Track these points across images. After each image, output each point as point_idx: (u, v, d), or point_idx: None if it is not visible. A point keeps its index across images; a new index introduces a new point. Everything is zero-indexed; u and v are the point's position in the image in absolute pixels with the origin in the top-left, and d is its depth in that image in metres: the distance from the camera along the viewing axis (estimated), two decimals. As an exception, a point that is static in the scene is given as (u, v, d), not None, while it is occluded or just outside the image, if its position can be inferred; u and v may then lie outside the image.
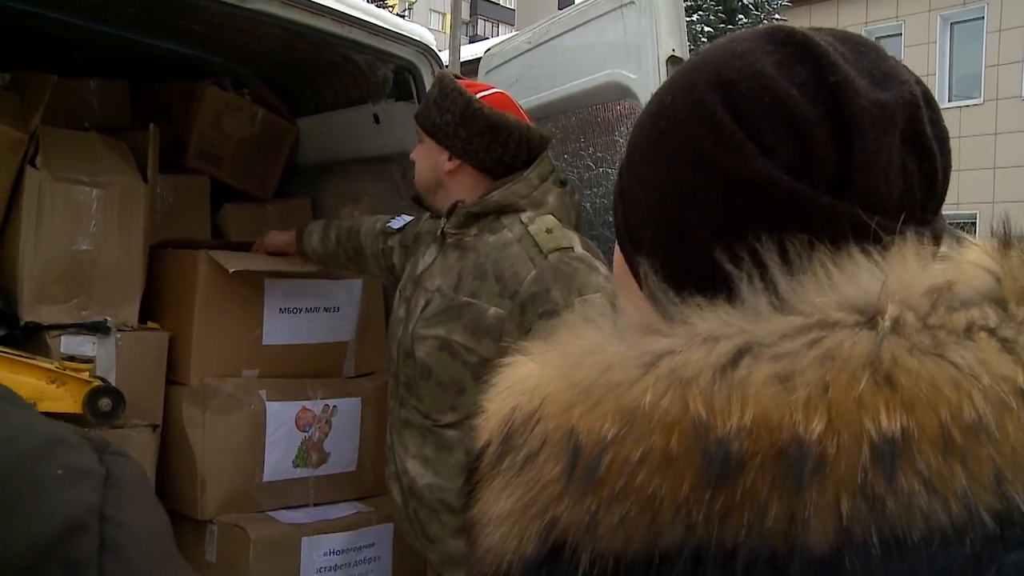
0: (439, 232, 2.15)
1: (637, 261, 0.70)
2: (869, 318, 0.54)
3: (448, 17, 22.10)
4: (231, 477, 2.70)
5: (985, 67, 15.45)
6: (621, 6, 2.07)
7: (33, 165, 2.54)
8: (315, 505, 2.86)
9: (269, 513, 2.76)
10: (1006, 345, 0.54)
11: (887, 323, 0.54)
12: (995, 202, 14.41)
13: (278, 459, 2.78)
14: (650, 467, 0.53)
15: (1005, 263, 0.58)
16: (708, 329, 0.56)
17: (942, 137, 0.66)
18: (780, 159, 0.62)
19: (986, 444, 0.51)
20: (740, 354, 0.54)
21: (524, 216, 2.03)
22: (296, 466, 2.83)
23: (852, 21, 16.29)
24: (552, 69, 2.27)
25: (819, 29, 0.69)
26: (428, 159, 2.17)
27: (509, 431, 0.58)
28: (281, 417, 2.79)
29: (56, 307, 2.54)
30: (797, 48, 0.65)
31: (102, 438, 0.49)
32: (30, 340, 2.52)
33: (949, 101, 15.84)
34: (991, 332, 0.54)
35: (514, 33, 2.82)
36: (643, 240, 0.70)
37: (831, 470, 0.51)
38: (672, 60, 1.95)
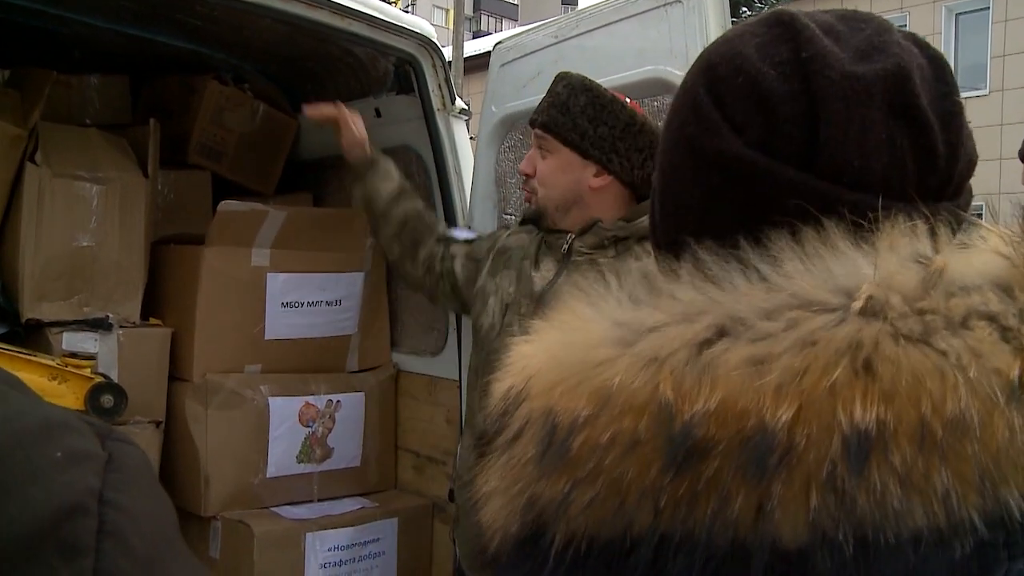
0: (565, 248, 2.04)
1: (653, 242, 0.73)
2: (854, 301, 0.52)
3: (451, 12, 22.07)
4: (234, 473, 2.70)
5: (991, 58, 15.39)
6: (665, 4, 2.06)
7: (33, 161, 2.53)
8: (319, 501, 2.86)
9: (273, 509, 2.75)
10: (1006, 334, 0.51)
11: (872, 307, 0.52)
12: (1001, 193, 14.30)
13: (281, 455, 2.78)
14: (619, 450, 0.52)
15: (1019, 250, 0.55)
16: (687, 307, 0.55)
17: (950, 112, 0.64)
18: (750, 136, 0.64)
19: (971, 441, 0.49)
20: (718, 334, 0.53)
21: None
22: (300, 462, 2.82)
23: (856, 12, 16.20)
24: (582, 63, 2.24)
25: (828, 11, 0.69)
26: (566, 173, 2.01)
27: (504, 410, 0.58)
28: (284, 412, 2.78)
29: (57, 304, 2.54)
30: (783, 29, 0.66)
31: (106, 425, 0.48)
32: (32, 337, 2.52)
33: (954, 92, 15.79)
34: (991, 319, 0.52)
35: (525, 27, 2.79)
36: (656, 222, 0.73)
37: (799, 461, 0.49)
38: None
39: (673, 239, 0.67)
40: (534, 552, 0.56)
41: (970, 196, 0.67)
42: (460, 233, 2.43)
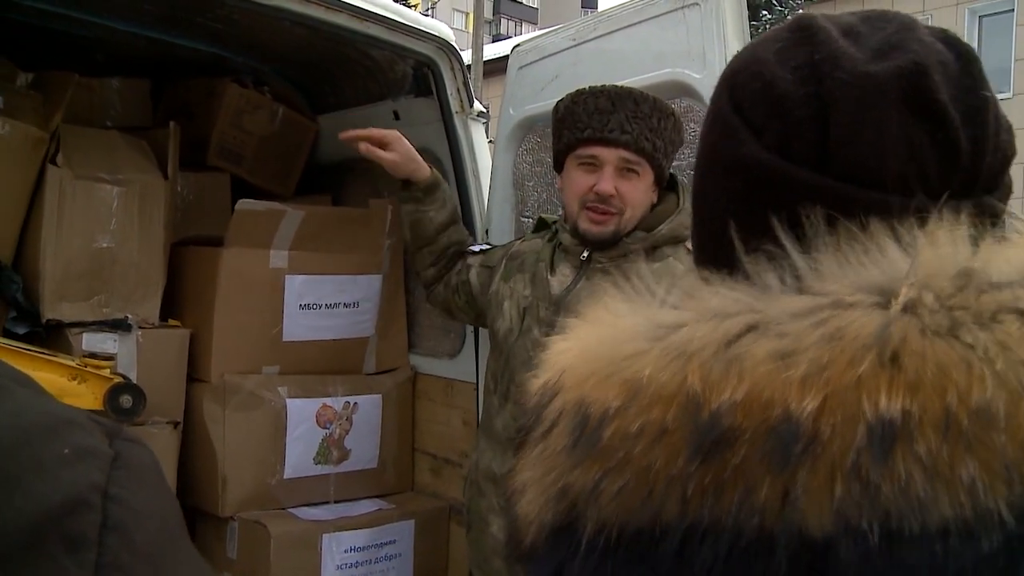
0: (584, 255, 2.04)
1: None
2: (886, 300, 0.53)
3: (471, 16, 22.08)
4: (252, 474, 2.71)
5: (1015, 60, 15.24)
6: (683, 7, 2.07)
7: (54, 163, 2.55)
8: (336, 502, 2.86)
9: (290, 510, 2.76)
10: None
11: (900, 304, 0.52)
12: (1026, 197, 14.21)
13: (299, 456, 2.79)
14: (648, 439, 0.53)
15: None
16: (718, 306, 0.56)
17: (975, 106, 0.63)
18: (768, 140, 0.65)
19: (998, 432, 0.49)
20: (747, 330, 0.53)
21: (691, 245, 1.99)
22: (317, 463, 2.83)
23: (878, 15, 16.08)
24: (601, 66, 2.24)
25: (856, 12, 0.70)
26: (648, 193, 2.03)
27: (539, 403, 0.60)
28: (302, 414, 2.79)
29: (77, 304, 2.56)
30: (802, 32, 0.67)
31: (116, 424, 0.48)
32: (52, 337, 2.54)
33: (978, 95, 15.63)
34: (1021, 314, 0.52)
35: (544, 30, 2.79)
36: (694, 227, 0.75)
37: (824, 450, 0.50)
38: None
39: (708, 243, 0.70)
40: (567, 541, 0.56)
41: (1009, 189, 0.67)
42: (475, 247, 2.44)
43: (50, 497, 0.40)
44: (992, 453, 0.49)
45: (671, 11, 2.09)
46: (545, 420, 0.59)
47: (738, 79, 0.68)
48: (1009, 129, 0.67)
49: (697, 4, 2.02)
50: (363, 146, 2.40)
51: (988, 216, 0.61)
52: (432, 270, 2.45)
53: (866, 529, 0.49)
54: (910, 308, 0.52)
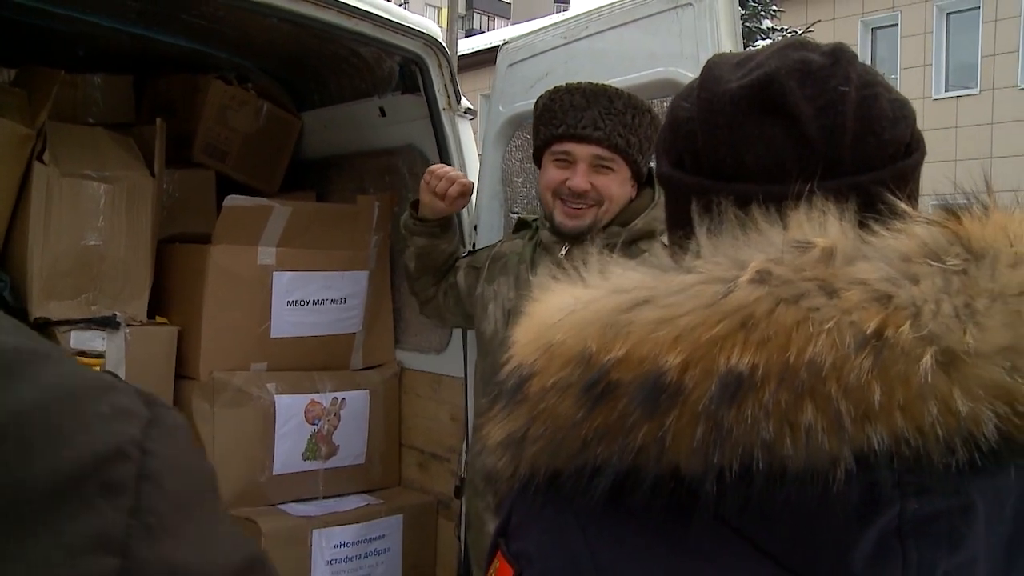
0: (563, 253, 2.06)
1: None
2: (742, 273, 0.63)
3: (444, 11, 22.00)
4: (241, 470, 2.71)
5: (981, 57, 15.44)
6: (677, 7, 2.09)
7: (41, 161, 2.54)
8: (325, 498, 2.88)
9: (279, 506, 2.77)
10: (879, 296, 0.61)
11: (759, 277, 0.62)
12: (992, 192, 14.36)
13: (288, 452, 2.79)
14: (557, 393, 0.64)
15: (928, 228, 0.65)
16: (620, 284, 0.67)
17: (831, 100, 0.73)
18: (671, 158, 0.81)
19: (829, 382, 0.58)
20: (640, 303, 0.64)
21: (666, 240, 2.01)
22: (306, 459, 2.84)
23: (849, 12, 16.28)
24: (593, 64, 2.26)
25: (776, 43, 0.82)
26: (623, 187, 2.06)
27: (502, 373, 0.71)
28: (290, 410, 2.80)
29: (65, 302, 2.55)
30: (703, 68, 0.81)
31: (152, 393, 0.52)
32: (40, 335, 2.52)
33: (945, 91, 15.85)
34: (864, 284, 0.61)
35: (518, 24, 2.81)
36: None
37: (687, 399, 0.60)
38: None
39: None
40: (511, 483, 0.68)
41: (904, 175, 0.75)
42: (463, 252, 2.50)
43: (90, 447, 0.44)
44: (826, 401, 0.58)
45: (664, 11, 2.11)
46: (504, 385, 0.69)
47: (668, 115, 0.83)
48: (903, 120, 0.75)
49: (691, 4, 2.04)
50: (454, 190, 2.34)
51: (859, 195, 0.69)
52: (432, 289, 2.49)
53: (725, 467, 0.59)
54: (765, 280, 0.62)
